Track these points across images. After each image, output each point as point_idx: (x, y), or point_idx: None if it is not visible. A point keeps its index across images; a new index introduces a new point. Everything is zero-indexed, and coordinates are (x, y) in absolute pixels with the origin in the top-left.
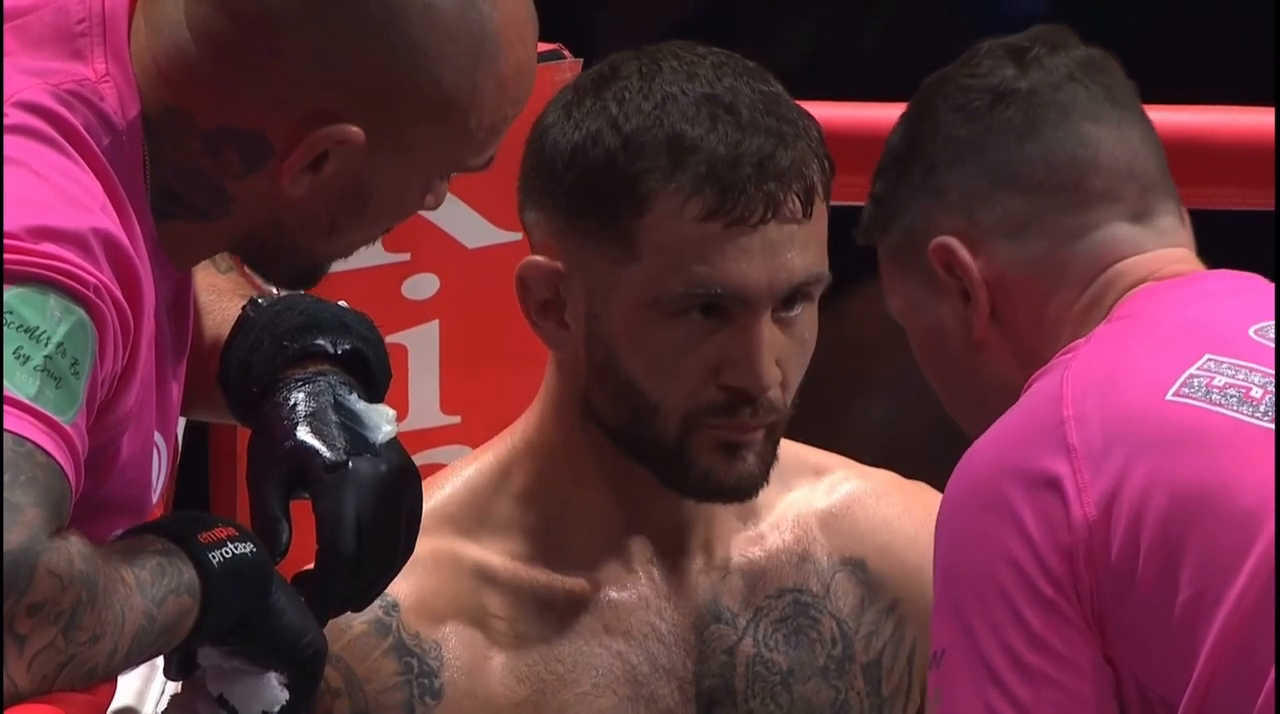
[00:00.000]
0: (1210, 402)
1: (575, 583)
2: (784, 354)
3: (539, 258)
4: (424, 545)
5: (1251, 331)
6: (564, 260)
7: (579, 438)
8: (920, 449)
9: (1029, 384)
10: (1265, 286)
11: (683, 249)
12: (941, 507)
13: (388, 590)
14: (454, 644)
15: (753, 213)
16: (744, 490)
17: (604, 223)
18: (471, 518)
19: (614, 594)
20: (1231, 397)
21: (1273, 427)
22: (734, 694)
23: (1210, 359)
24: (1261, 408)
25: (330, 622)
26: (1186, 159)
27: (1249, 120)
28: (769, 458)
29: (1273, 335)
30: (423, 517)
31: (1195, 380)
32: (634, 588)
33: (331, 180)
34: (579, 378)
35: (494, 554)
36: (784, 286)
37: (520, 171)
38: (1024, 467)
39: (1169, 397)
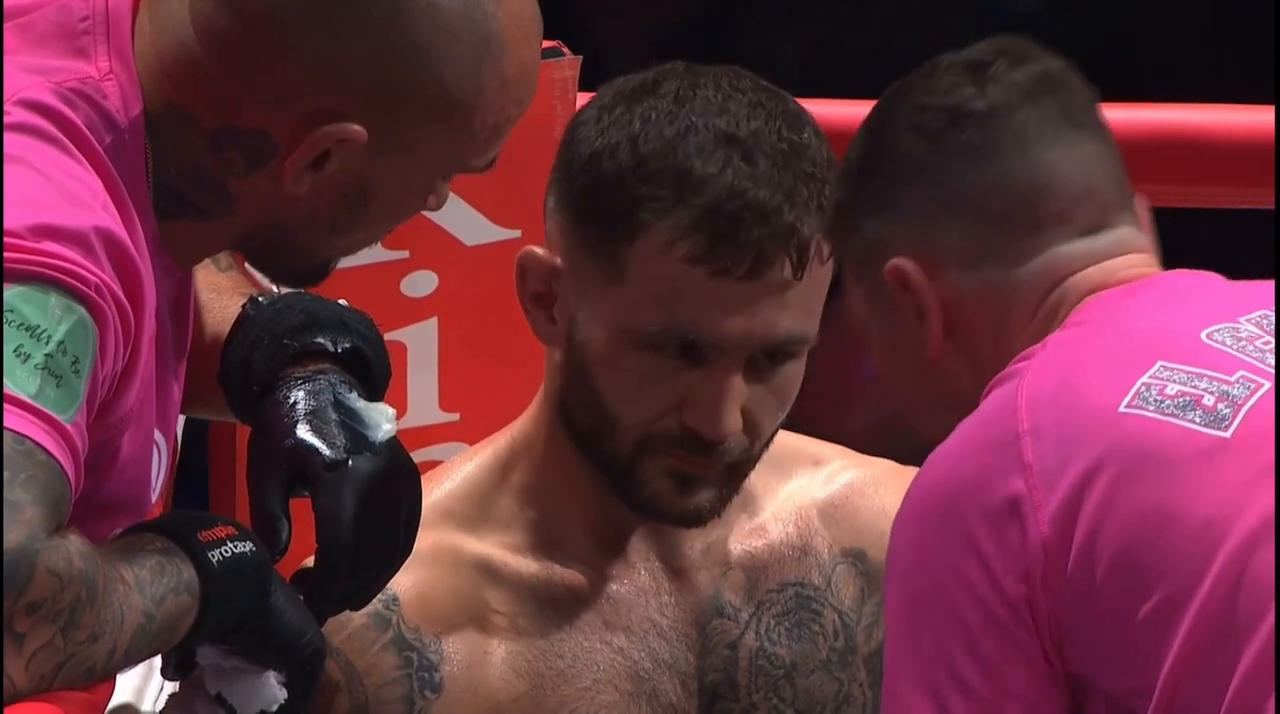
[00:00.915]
0: (1163, 412)
1: (575, 578)
2: (755, 404)
3: (539, 250)
4: (425, 540)
5: (1204, 335)
6: (563, 257)
7: (559, 436)
8: (918, 447)
9: (987, 391)
10: (1222, 286)
11: (664, 287)
12: (899, 517)
13: (388, 584)
14: (454, 639)
15: (739, 265)
16: (690, 521)
17: (600, 237)
18: (472, 513)
19: (614, 589)
20: (1183, 405)
21: (1226, 434)
22: (737, 689)
23: (1163, 367)
24: (1214, 415)
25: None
26: (1186, 157)
27: (1249, 119)
28: (728, 492)
29: (1225, 338)
30: (423, 511)
31: (1148, 390)
32: (634, 582)
33: (334, 179)
34: (559, 375)
35: (495, 549)
36: (761, 343)
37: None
38: (981, 486)
39: (1122, 408)
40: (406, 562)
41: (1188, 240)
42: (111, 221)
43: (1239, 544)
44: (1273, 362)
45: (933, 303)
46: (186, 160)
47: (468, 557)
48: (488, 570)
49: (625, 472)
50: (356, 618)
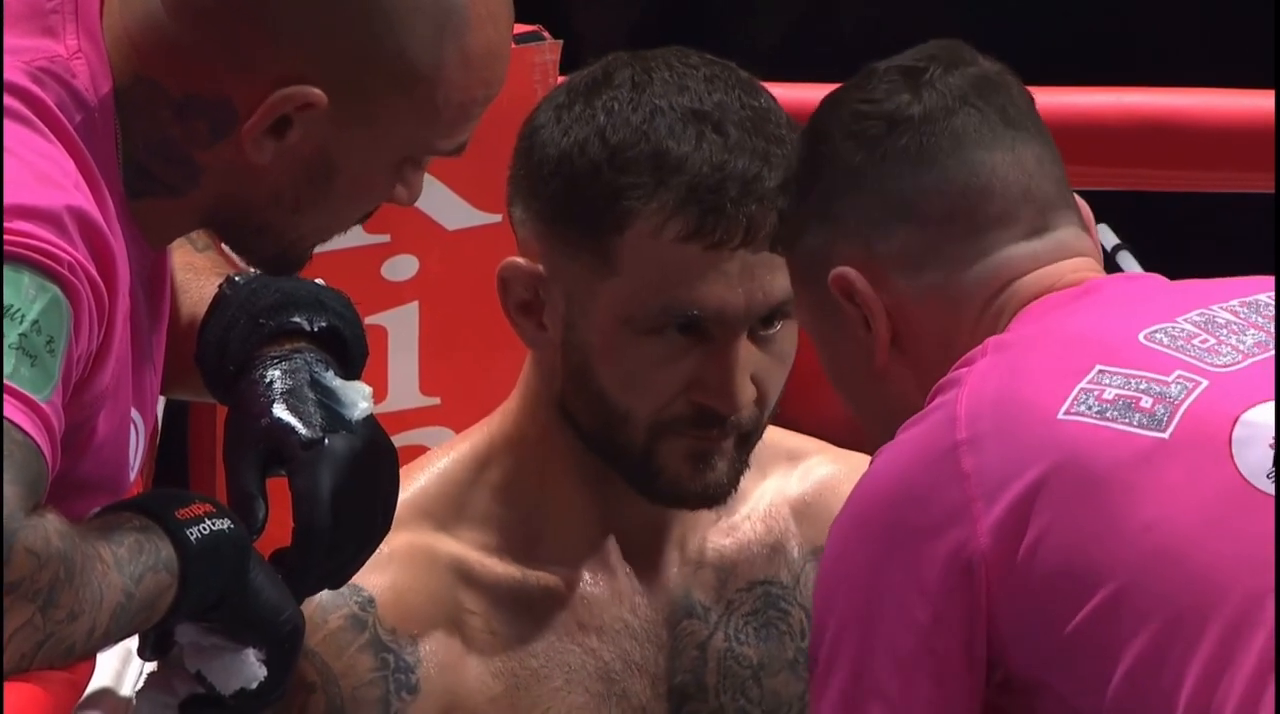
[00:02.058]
0: (1102, 417)
1: (550, 579)
2: (761, 370)
3: (519, 260)
4: (400, 540)
5: (1141, 337)
6: (545, 263)
7: (555, 436)
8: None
9: (930, 396)
10: (1162, 287)
11: (660, 269)
12: (837, 522)
13: (364, 586)
14: (430, 640)
15: (732, 236)
16: (711, 498)
17: (584, 234)
18: (448, 511)
19: (589, 589)
20: (1122, 408)
21: (1164, 434)
22: (705, 689)
23: (1100, 371)
24: (1152, 416)
25: (306, 617)
26: (1186, 143)
27: (1249, 104)
28: (740, 464)
29: (1162, 338)
30: (398, 509)
31: (1086, 395)
32: (608, 583)
33: (296, 150)
34: (556, 379)
35: (470, 549)
36: (761, 308)
37: (510, 166)
38: (919, 496)
39: (1061, 415)
40: (383, 562)
41: (1187, 225)
42: (84, 200)
43: (1181, 541)
44: (1214, 360)
45: (879, 311)
46: (154, 133)
47: (443, 558)
48: (463, 571)
49: (641, 463)
50: (333, 619)
